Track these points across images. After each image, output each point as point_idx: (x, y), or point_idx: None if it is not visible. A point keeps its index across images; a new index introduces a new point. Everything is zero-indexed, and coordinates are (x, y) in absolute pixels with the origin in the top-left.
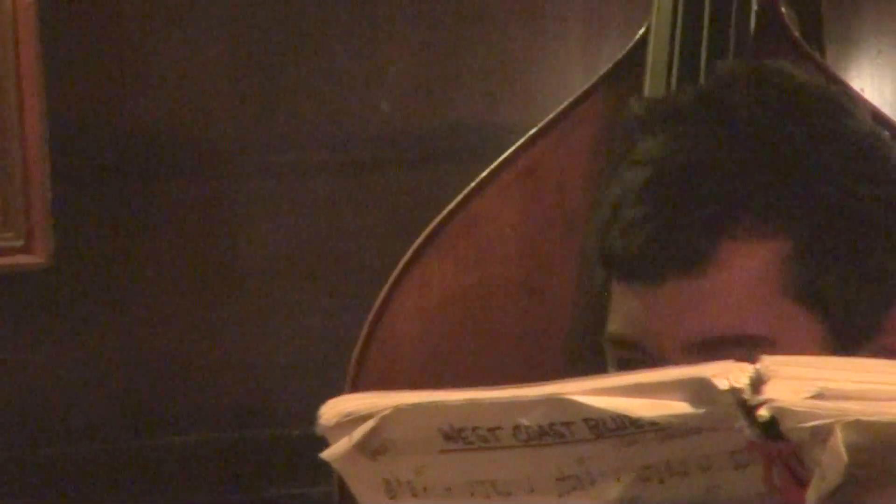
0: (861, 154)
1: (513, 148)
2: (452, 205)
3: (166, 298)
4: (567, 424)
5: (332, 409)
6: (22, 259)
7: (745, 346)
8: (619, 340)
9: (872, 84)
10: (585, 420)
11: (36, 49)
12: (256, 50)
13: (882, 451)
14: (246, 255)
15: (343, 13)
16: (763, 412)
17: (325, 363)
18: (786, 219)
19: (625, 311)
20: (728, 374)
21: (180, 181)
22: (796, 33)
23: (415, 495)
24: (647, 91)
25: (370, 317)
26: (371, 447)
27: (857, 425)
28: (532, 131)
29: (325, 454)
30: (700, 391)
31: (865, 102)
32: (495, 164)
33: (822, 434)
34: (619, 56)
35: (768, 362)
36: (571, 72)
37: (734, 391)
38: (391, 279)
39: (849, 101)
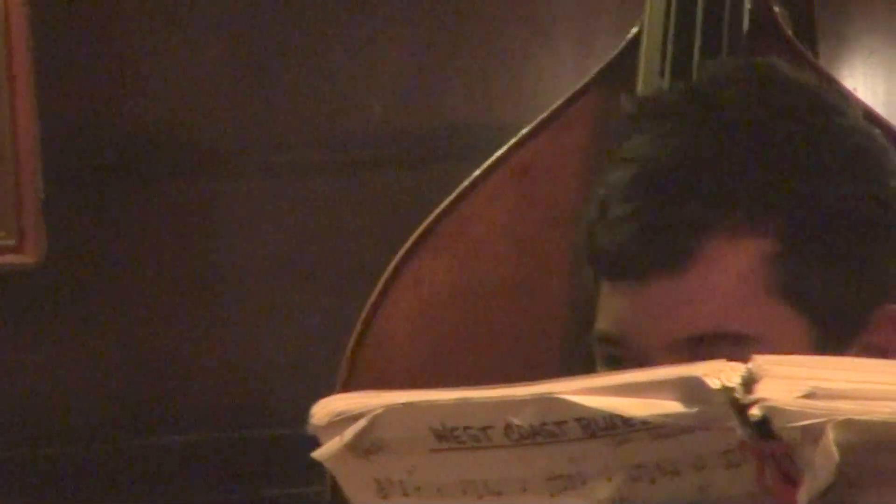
0: (849, 152)
1: (505, 147)
2: (445, 204)
3: (160, 298)
4: (559, 424)
5: (324, 409)
6: (13, 259)
7: (729, 344)
8: (606, 338)
9: (865, 83)
10: (577, 419)
11: (28, 48)
12: (252, 50)
13: (874, 451)
14: (241, 255)
15: (338, 14)
16: (755, 411)
17: (321, 363)
18: (771, 217)
19: (611, 308)
20: (720, 374)
21: (174, 181)
22: (789, 32)
23: (406, 495)
24: (639, 89)
25: (362, 316)
26: (362, 447)
27: (848, 425)
28: (525, 131)
29: (317, 454)
30: (692, 390)
31: (856, 101)
32: (488, 163)
33: (813, 433)
34: (612, 55)
35: (760, 361)
36: (564, 72)
37: (726, 390)
38: (384, 278)
39: (838, 99)
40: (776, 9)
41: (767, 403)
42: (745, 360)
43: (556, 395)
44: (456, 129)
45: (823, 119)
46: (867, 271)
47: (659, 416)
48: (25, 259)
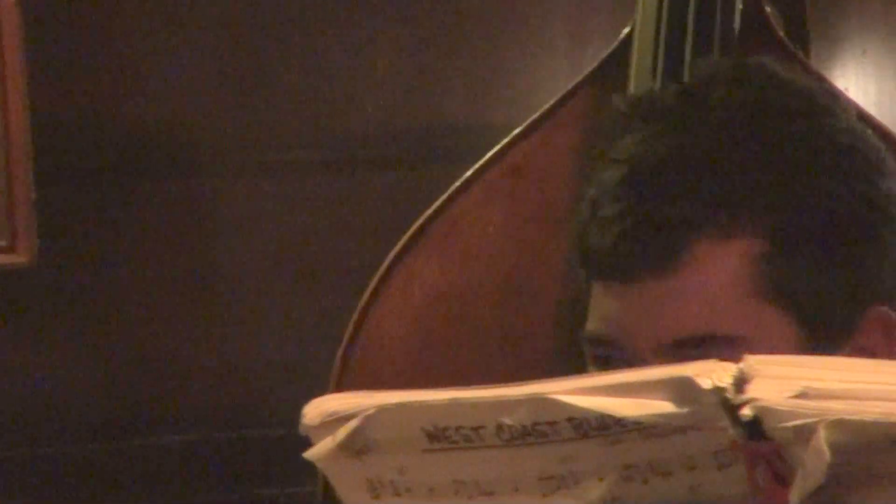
0: (839, 153)
1: (497, 147)
2: (437, 204)
3: (154, 299)
4: (551, 424)
5: (316, 409)
6: (5, 259)
7: (718, 346)
8: (595, 339)
9: (857, 83)
10: (569, 419)
11: (19, 49)
12: (242, 49)
13: (865, 451)
14: (238, 255)
15: (335, 14)
16: (746, 411)
17: (317, 363)
18: (760, 217)
19: (601, 309)
20: (711, 374)
21: (166, 181)
22: (780, 32)
23: (398, 495)
24: (631, 89)
25: (354, 316)
26: (354, 447)
27: (840, 424)
28: (517, 131)
29: (309, 454)
30: (683, 390)
31: (848, 101)
32: (480, 163)
33: (805, 433)
34: (604, 55)
35: (752, 361)
36: (557, 72)
37: (717, 390)
38: (375, 279)
39: (829, 100)
40: (768, 9)
41: (759, 403)
42: (735, 360)
43: (548, 396)
44: (451, 130)
45: (814, 120)
46: (857, 272)
47: (651, 416)
48: (18, 259)
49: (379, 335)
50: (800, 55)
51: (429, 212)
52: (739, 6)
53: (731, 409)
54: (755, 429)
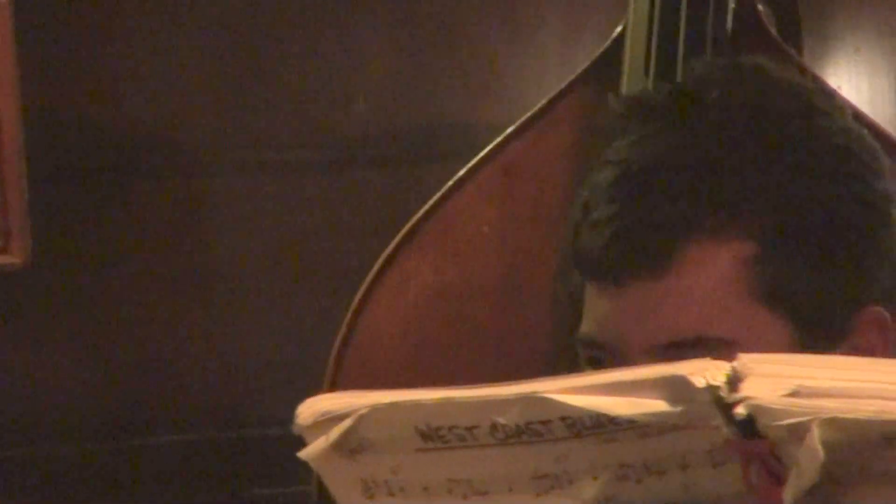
0: (833, 154)
1: (491, 146)
2: (430, 203)
3: (148, 299)
4: (544, 423)
5: (309, 409)
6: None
7: (709, 349)
8: (588, 341)
9: (850, 81)
10: (563, 419)
11: (12, 49)
12: (235, 49)
13: (859, 449)
14: (223, 255)
15: (327, 13)
16: (740, 410)
17: (310, 363)
18: (752, 219)
19: (595, 311)
20: (705, 372)
21: (159, 181)
22: (773, 31)
23: (392, 495)
24: (624, 88)
25: (348, 316)
26: (348, 446)
27: (833, 423)
28: (510, 129)
29: (303, 453)
30: (677, 389)
31: (843, 101)
32: (473, 162)
33: (799, 432)
34: (597, 54)
35: (745, 360)
36: (549, 71)
37: (711, 389)
38: (369, 278)
39: (824, 100)
40: (760, 7)
41: (752, 402)
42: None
43: (542, 395)
44: (445, 129)
45: (808, 121)
46: (851, 273)
47: (644, 415)
48: (12, 260)
49: (373, 335)
50: (793, 53)
51: (422, 211)
52: (732, 5)
53: (725, 407)
54: (749, 427)
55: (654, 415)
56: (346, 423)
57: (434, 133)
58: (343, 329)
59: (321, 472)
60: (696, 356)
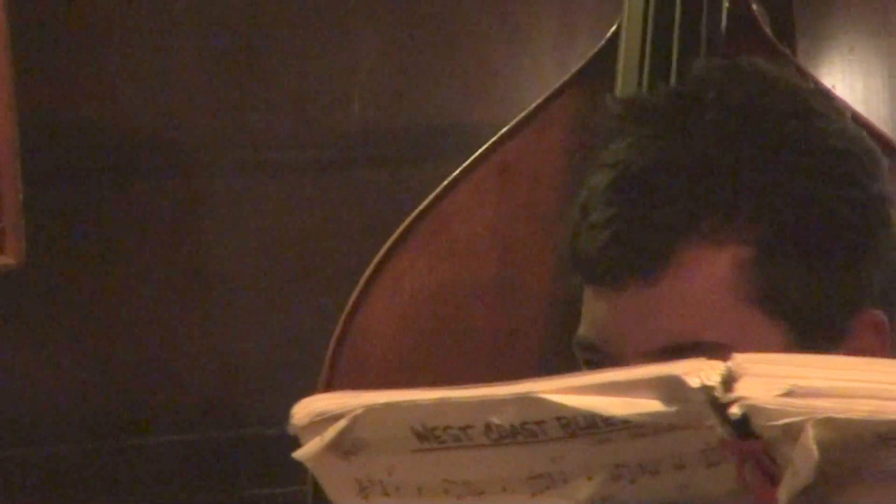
0: (830, 156)
1: (486, 145)
2: (425, 203)
3: (139, 299)
4: (539, 423)
5: (304, 409)
6: None
7: (705, 353)
8: (586, 344)
9: (843, 81)
10: (558, 419)
11: (7, 49)
12: (229, 48)
13: (853, 449)
14: (220, 255)
15: (316, 12)
16: (735, 410)
17: (304, 363)
18: (749, 223)
19: (592, 314)
20: (700, 372)
21: (153, 181)
22: (767, 30)
23: (387, 495)
24: (619, 88)
25: (343, 316)
26: (343, 447)
27: (828, 423)
28: (505, 129)
29: (298, 454)
30: (672, 389)
31: (842, 102)
32: (468, 161)
33: (793, 431)
34: (591, 54)
35: (740, 360)
36: (544, 71)
37: (706, 389)
38: (364, 278)
39: (822, 102)
40: (754, 6)
41: (747, 402)
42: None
43: (537, 395)
44: (440, 129)
45: (806, 123)
46: (849, 277)
47: (639, 415)
48: (6, 260)
49: (368, 334)
50: (787, 53)
51: (416, 211)
52: (726, 4)
53: (720, 407)
54: (744, 427)
55: (649, 415)
56: (341, 423)
57: (430, 133)
58: (338, 329)
59: (316, 472)
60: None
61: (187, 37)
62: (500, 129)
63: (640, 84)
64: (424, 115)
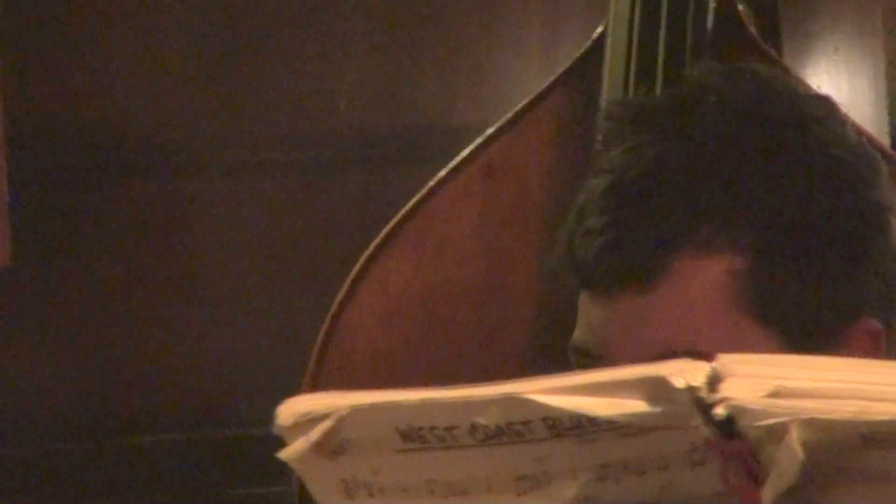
0: (827, 165)
1: (472, 146)
2: (411, 204)
3: (126, 299)
4: (524, 423)
5: (290, 410)
6: None
7: None
8: (580, 350)
9: (829, 81)
10: (543, 419)
11: None
12: (215, 49)
13: (838, 450)
14: (208, 255)
15: (307, 14)
16: (719, 410)
17: (290, 363)
18: (744, 232)
19: (587, 319)
20: (685, 373)
21: (140, 181)
22: (753, 30)
23: (372, 495)
24: (605, 89)
25: (329, 316)
26: (328, 447)
27: (812, 423)
28: (490, 130)
29: (283, 454)
30: (657, 390)
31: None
32: (454, 162)
33: (778, 432)
34: (578, 55)
35: (725, 360)
36: (530, 72)
37: (691, 389)
38: (350, 279)
39: (821, 109)
40: (740, 7)
41: (732, 402)
42: (709, 359)
43: (522, 395)
44: (418, 130)
45: (804, 130)
46: (844, 286)
47: (624, 415)
48: None
49: (353, 334)
50: (772, 53)
51: (403, 212)
52: (712, 5)
53: (705, 408)
54: (728, 428)
55: (634, 415)
56: (327, 423)
57: (417, 134)
58: (324, 329)
59: (301, 472)
60: None
61: (177, 38)
62: (486, 131)
63: (626, 84)
64: (411, 116)
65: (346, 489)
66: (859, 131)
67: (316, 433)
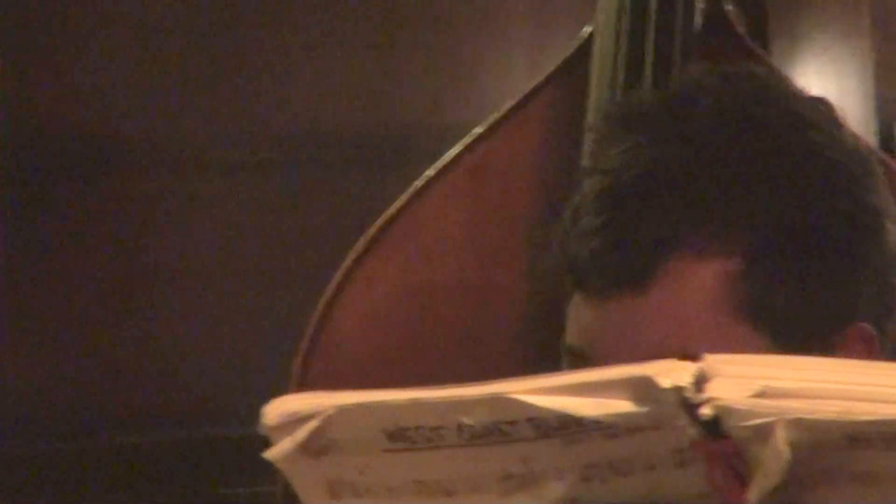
0: (822, 168)
1: (459, 147)
2: (398, 204)
3: (124, 299)
4: (511, 424)
5: (276, 409)
6: None
7: None
8: (573, 351)
9: (817, 81)
10: (529, 419)
11: None
12: (198, 48)
13: (824, 450)
14: (196, 255)
15: (291, 14)
16: (706, 410)
17: (275, 363)
18: (738, 235)
19: (580, 320)
20: (671, 373)
21: (139, 181)
22: (741, 30)
23: (358, 495)
24: (593, 89)
25: (315, 317)
26: (314, 447)
27: (798, 423)
28: (478, 130)
29: (269, 454)
30: (643, 390)
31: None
32: (441, 163)
33: (764, 432)
34: (566, 55)
35: (711, 360)
36: (517, 72)
37: (677, 389)
38: (336, 279)
39: (816, 112)
40: (728, 7)
41: (718, 402)
42: (696, 359)
43: (508, 395)
44: (409, 130)
45: (799, 133)
46: (838, 290)
47: (610, 415)
48: None
49: (340, 335)
50: (761, 53)
51: (389, 212)
52: (701, 5)
53: (691, 408)
54: (714, 428)
55: (620, 415)
56: (313, 423)
57: (401, 134)
58: (310, 329)
59: (287, 472)
60: None
61: (177, 38)
62: (473, 130)
63: (614, 85)
64: (397, 116)
65: (332, 489)
66: (855, 134)
67: (302, 433)
